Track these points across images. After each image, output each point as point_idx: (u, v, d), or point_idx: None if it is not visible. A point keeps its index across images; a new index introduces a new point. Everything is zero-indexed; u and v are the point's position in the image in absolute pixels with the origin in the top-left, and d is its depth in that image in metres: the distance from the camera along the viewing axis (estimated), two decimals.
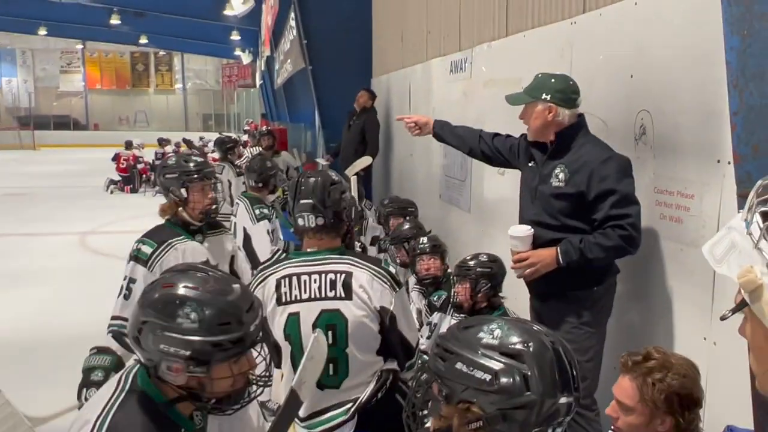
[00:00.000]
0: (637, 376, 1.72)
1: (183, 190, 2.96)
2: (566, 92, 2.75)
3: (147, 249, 2.88)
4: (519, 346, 1.22)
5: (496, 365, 1.20)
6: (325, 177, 2.33)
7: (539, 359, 1.21)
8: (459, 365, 1.22)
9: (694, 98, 2.50)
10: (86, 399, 2.61)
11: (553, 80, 2.79)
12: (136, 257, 2.88)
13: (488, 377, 1.19)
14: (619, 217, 2.57)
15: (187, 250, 2.93)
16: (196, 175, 2.98)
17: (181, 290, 1.45)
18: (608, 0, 3.13)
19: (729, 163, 2.24)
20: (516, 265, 2.80)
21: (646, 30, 2.80)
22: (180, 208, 2.99)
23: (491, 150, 3.19)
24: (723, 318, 1.02)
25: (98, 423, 1.43)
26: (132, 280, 2.86)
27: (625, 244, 2.59)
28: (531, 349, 1.21)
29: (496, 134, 3.22)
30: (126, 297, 2.84)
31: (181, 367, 1.43)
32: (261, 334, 1.51)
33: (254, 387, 1.55)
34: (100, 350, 2.81)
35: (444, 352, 1.25)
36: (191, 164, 3.04)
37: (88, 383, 2.71)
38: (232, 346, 1.44)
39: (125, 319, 2.66)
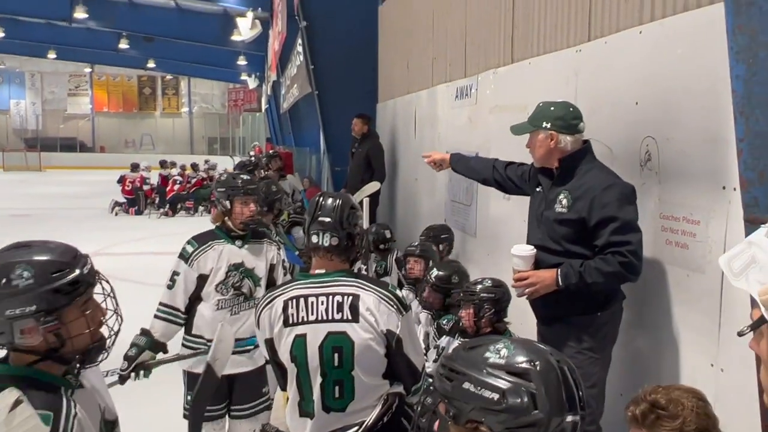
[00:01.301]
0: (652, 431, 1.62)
1: (227, 202, 3.36)
2: (566, 119, 2.78)
3: (190, 248, 3.33)
4: (525, 365, 1.22)
5: (504, 384, 1.20)
6: (345, 199, 2.36)
7: (546, 378, 1.21)
8: (466, 385, 1.22)
9: (698, 125, 2.52)
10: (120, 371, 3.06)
11: (552, 108, 2.82)
12: (181, 254, 3.32)
13: (496, 396, 1.19)
14: (620, 244, 2.58)
15: (224, 251, 3.34)
16: (241, 191, 3.37)
17: (6, 261, 1.55)
18: (613, 28, 3.18)
19: (735, 189, 2.26)
20: (516, 284, 2.82)
21: (651, 58, 2.84)
22: (226, 218, 3.40)
23: (503, 178, 3.26)
24: (740, 334, 1.03)
25: None
26: (176, 273, 3.31)
27: (625, 270, 2.60)
28: (538, 367, 1.22)
29: (510, 163, 3.28)
30: (169, 287, 3.32)
31: (34, 325, 1.50)
32: (95, 278, 1.63)
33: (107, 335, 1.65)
34: (143, 332, 3.22)
35: (450, 372, 1.26)
36: (238, 181, 3.47)
37: (125, 356, 3.11)
38: (72, 289, 1.55)
39: (166, 305, 3.28)
